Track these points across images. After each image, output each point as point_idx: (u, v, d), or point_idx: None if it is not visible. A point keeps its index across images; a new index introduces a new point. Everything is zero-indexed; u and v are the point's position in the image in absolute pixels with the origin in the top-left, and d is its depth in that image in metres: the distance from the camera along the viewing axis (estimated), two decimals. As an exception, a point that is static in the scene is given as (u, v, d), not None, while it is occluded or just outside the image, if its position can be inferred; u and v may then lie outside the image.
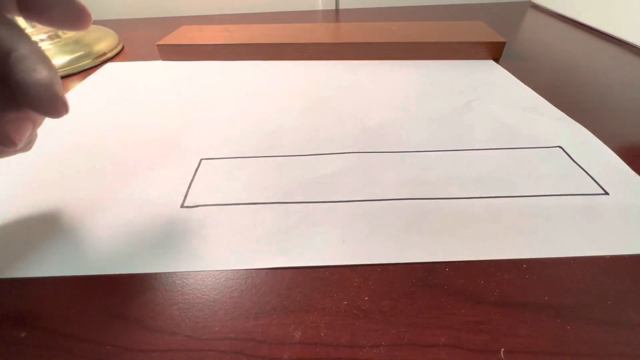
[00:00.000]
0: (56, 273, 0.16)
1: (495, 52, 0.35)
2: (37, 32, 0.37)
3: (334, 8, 0.56)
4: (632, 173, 0.20)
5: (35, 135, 0.16)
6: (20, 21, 0.37)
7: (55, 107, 0.13)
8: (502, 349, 0.12)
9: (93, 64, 0.37)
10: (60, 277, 0.15)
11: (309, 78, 0.33)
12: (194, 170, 0.21)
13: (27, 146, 0.15)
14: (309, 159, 0.22)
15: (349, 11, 0.55)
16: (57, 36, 0.38)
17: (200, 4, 0.56)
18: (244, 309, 0.14)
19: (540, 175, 0.20)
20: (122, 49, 0.42)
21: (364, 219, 0.18)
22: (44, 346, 0.13)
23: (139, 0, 0.56)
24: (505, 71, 0.32)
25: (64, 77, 0.35)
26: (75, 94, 0.31)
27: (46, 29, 0.38)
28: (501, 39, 0.34)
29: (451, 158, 0.22)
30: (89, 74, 0.35)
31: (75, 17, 0.15)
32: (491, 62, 0.34)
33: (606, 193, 0.18)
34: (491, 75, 0.32)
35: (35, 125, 0.14)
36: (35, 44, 0.14)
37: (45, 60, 0.14)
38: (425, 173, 0.20)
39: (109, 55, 0.39)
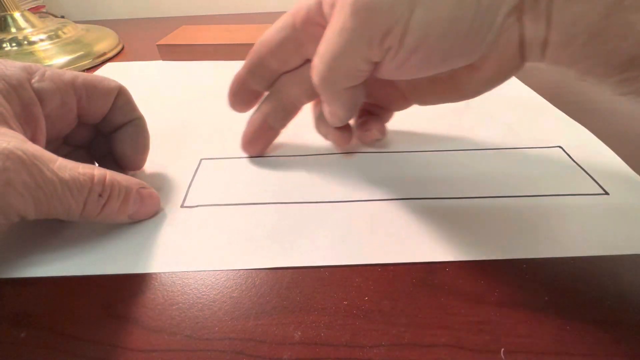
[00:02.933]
0: (56, 273, 0.16)
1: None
2: (36, 32, 0.37)
3: (334, 8, 0.56)
4: (632, 173, 0.20)
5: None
6: (20, 19, 0.37)
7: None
8: (502, 349, 0.12)
9: (93, 64, 0.37)
10: (60, 277, 0.15)
11: (309, 78, 0.33)
12: (194, 170, 0.21)
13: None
14: (309, 159, 0.22)
15: (349, 11, 0.55)
16: (57, 36, 0.38)
17: (200, 4, 0.56)
18: (244, 309, 0.14)
19: (540, 175, 0.20)
20: (122, 49, 0.42)
21: (364, 219, 0.18)
22: (44, 346, 0.13)
23: (139, 0, 0.56)
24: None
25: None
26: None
27: (46, 28, 0.38)
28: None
29: (451, 158, 0.22)
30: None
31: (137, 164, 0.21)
32: (491, 62, 0.34)
33: (606, 193, 0.18)
34: (491, 75, 0.32)
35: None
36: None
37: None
38: (425, 173, 0.20)
39: (109, 55, 0.39)
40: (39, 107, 0.16)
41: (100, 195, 0.15)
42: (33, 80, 0.16)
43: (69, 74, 0.17)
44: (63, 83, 0.17)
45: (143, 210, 0.18)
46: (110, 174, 0.16)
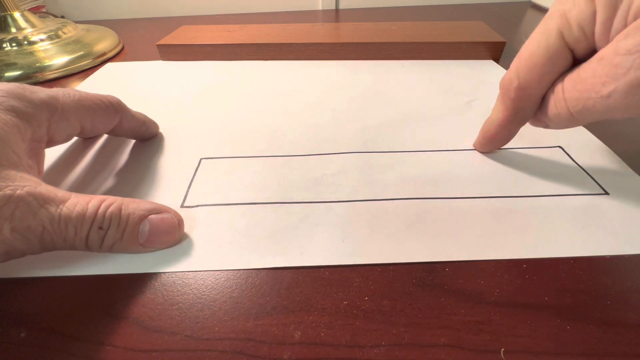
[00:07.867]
0: (56, 273, 0.16)
1: (495, 52, 0.35)
2: (36, 32, 0.37)
3: (334, 8, 0.56)
4: (632, 173, 0.20)
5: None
6: (20, 19, 0.37)
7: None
8: (502, 349, 0.12)
9: (93, 64, 0.37)
10: (60, 277, 0.15)
11: (309, 78, 0.33)
12: (194, 170, 0.21)
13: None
14: (309, 159, 0.22)
15: (349, 11, 0.55)
16: (57, 36, 0.38)
17: (200, 4, 0.56)
18: (244, 309, 0.14)
19: (540, 175, 0.20)
20: (122, 49, 0.42)
21: (364, 219, 0.18)
22: (44, 346, 0.13)
23: (139, 0, 0.56)
24: (505, 71, 0.32)
25: (64, 77, 0.35)
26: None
27: (46, 28, 0.38)
28: (501, 39, 0.34)
29: (451, 158, 0.22)
30: (89, 74, 0.35)
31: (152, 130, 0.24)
32: (491, 62, 0.34)
33: (606, 193, 0.18)
34: (491, 75, 0.32)
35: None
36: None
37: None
38: (425, 173, 0.20)
39: (109, 55, 0.39)
40: (45, 144, 0.17)
41: (100, 228, 0.15)
42: (52, 120, 0.17)
43: (81, 107, 0.18)
44: (77, 120, 0.18)
45: (155, 238, 0.16)
46: (117, 204, 0.15)
